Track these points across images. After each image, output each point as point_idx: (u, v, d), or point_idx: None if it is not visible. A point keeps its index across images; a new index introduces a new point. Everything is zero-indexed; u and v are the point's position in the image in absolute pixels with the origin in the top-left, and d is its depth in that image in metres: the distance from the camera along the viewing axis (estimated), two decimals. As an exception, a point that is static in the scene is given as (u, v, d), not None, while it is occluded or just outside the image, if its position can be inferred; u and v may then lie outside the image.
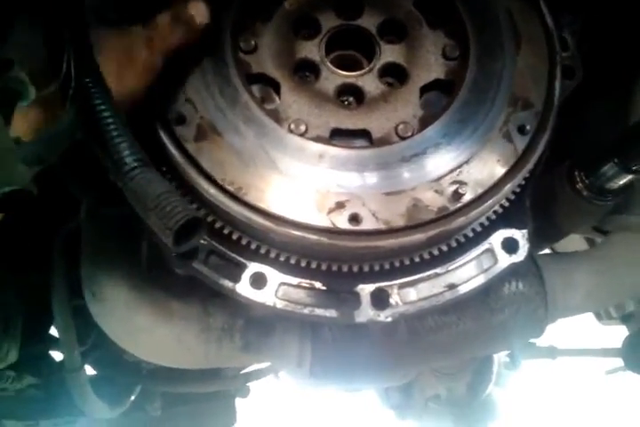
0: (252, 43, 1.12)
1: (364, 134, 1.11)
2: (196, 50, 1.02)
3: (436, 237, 1.05)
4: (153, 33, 0.91)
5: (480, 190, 1.05)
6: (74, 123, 0.76)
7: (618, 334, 2.12)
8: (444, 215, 1.04)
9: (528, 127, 1.09)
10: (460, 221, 1.04)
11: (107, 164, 0.77)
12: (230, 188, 1.01)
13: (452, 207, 1.04)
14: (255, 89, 1.13)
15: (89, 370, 1.83)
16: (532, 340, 2.46)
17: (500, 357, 2.59)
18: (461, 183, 1.05)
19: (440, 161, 1.06)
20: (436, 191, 1.05)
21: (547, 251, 2.07)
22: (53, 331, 1.64)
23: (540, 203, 1.22)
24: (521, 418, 3.56)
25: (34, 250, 1.54)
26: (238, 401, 2.31)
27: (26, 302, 1.60)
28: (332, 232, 1.01)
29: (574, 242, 1.93)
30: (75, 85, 0.73)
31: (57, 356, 1.76)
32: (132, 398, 2.01)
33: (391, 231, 1.02)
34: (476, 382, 2.53)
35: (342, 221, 1.01)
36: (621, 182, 1.15)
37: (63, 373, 1.60)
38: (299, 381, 1.43)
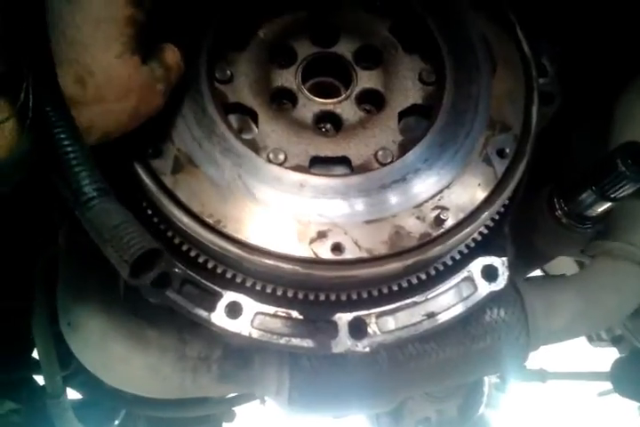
0: (228, 72, 1.12)
1: (343, 161, 1.11)
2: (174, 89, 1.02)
3: (415, 265, 1.04)
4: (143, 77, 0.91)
5: (462, 215, 1.04)
6: (31, 152, 0.75)
7: (609, 356, 2.10)
8: (426, 242, 1.03)
9: (507, 150, 1.08)
10: (438, 249, 1.02)
11: (65, 193, 0.75)
12: (209, 220, 0.99)
13: (435, 233, 1.03)
14: (232, 119, 1.12)
15: (73, 394, 1.81)
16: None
17: (491, 378, 2.57)
18: (443, 208, 1.04)
19: (421, 187, 1.05)
20: (418, 218, 1.04)
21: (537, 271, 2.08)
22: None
23: (521, 230, 1.21)
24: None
25: (15, 275, 1.53)
26: (225, 426, 2.28)
27: (6, 327, 1.58)
28: (313, 262, 1.00)
29: (565, 264, 1.92)
30: (33, 114, 0.72)
31: (41, 380, 1.74)
32: (117, 422, 1.98)
33: (374, 260, 1.01)
34: (466, 405, 2.50)
35: (325, 251, 1.00)
36: (600, 210, 1.15)
37: (45, 398, 1.58)
38: (280, 408, 1.40)
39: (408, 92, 1.15)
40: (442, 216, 1.03)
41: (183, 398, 1.86)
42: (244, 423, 2.40)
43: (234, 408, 2.17)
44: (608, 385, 2.27)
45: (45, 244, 1.44)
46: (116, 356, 1.15)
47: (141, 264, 0.73)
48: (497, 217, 1.13)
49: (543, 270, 2.17)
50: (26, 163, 0.76)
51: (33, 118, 0.72)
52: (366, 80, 1.16)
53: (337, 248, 1.00)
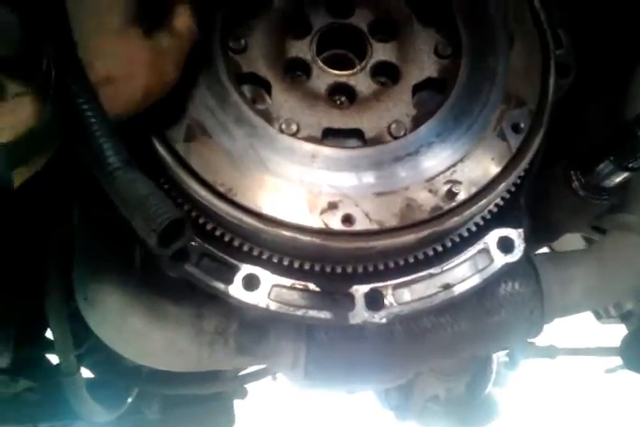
0: (242, 42, 1.11)
1: (356, 134, 1.10)
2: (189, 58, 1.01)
3: (429, 237, 1.04)
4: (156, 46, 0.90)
5: (474, 189, 1.04)
6: (54, 122, 0.74)
7: (617, 332, 2.11)
8: (437, 215, 1.02)
9: (522, 125, 1.07)
10: (454, 221, 1.02)
11: (90, 164, 0.75)
12: (221, 189, 1.00)
13: (446, 207, 1.03)
14: (246, 89, 1.12)
15: (87, 373, 1.83)
16: (531, 339, 2.46)
17: (500, 356, 2.58)
18: (455, 182, 1.03)
19: (434, 160, 1.05)
20: (430, 191, 1.03)
21: (545, 250, 2.08)
22: (50, 334, 1.63)
23: (537, 202, 1.21)
24: (521, 418, 3.55)
25: (28, 254, 1.53)
26: (237, 403, 2.30)
27: (20, 306, 1.59)
28: (325, 233, 1.00)
29: (573, 242, 1.92)
30: (55, 84, 0.72)
31: (54, 359, 1.75)
32: (130, 400, 2.00)
33: (384, 232, 1.01)
34: (475, 383, 2.52)
35: (335, 222, 1.00)
36: (617, 180, 1.14)
37: (59, 377, 1.59)
38: (295, 383, 1.41)
39: (423, 65, 1.14)
40: (454, 190, 1.02)
41: (194, 376, 1.89)
42: (255, 401, 2.43)
43: (246, 386, 2.19)
44: (616, 361, 2.29)
45: (58, 222, 1.44)
46: (134, 330, 1.16)
47: (168, 234, 0.73)
48: (513, 189, 1.12)
49: (551, 249, 2.17)
50: (50, 133, 0.76)
51: (55, 90, 0.72)
52: (381, 52, 1.15)
53: (347, 220, 1.00)
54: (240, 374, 2.15)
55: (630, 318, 2.26)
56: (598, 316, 2.47)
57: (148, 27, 0.89)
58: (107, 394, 1.87)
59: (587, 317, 2.42)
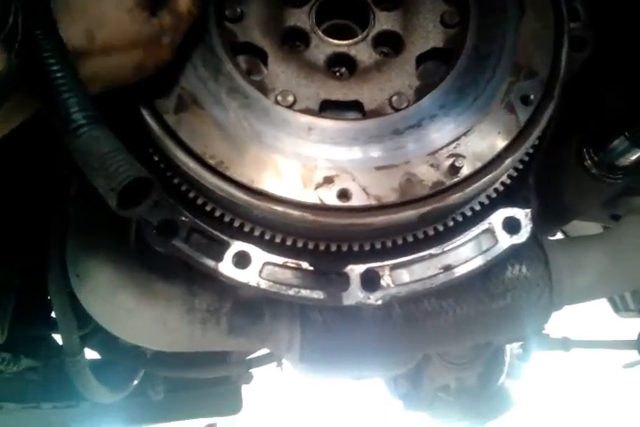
0: (238, 10, 1.06)
1: (355, 106, 1.05)
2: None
3: (431, 214, 0.98)
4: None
5: (479, 164, 0.98)
6: (15, 77, 0.71)
7: (636, 326, 2.05)
8: (439, 191, 0.97)
9: (532, 97, 1.01)
10: (456, 197, 0.97)
11: (55, 122, 0.71)
12: (211, 161, 0.95)
13: (449, 182, 0.97)
14: (242, 60, 1.07)
15: (93, 354, 1.82)
16: (544, 331, 2.40)
17: (513, 348, 2.52)
18: (459, 156, 0.98)
19: (436, 133, 0.99)
20: (432, 165, 0.98)
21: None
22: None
23: (548, 182, 1.15)
24: (535, 410, 3.49)
25: (32, 231, 1.51)
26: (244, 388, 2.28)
27: (25, 285, 1.57)
28: (320, 209, 0.95)
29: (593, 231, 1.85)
30: (22, 38, 0.68)
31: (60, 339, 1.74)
32: (135, 382, 1.98)
33: (382, 208, 0.96)
34: (487, 373, 2.47)
35: (330, 197, 0.95)
36: (632, 158, 1.08)
37: (62, 357, 1.58)
38: (295, 367, 1.38)
39: (429, 34, 1.08)
40: (457, 164, 0.97)
41: (200, 359, 1.87)
42: (261, 386, 2.41)
43: (251, 371, 2.16)
44: (633, 356, 2.22)
45: (61, 199, 1.42)
46: (124, 307, 1.13)
47: (132, 195, 0.69)
48: (520, 166, 1.07)
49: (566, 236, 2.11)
50: (15, 83, 0.72)
51: (21, 42, 0.68)
52: (384, 22, 1.09)
53: (343, 195, 0.95)
54: (246, 358, 2.13)
55: (650, 311, 2.20)
56: (617, 308, 2.39)
57: (153, 8, 0.88)
58: (112, 375, 1.86)
59: (604, 310, 2.35)
